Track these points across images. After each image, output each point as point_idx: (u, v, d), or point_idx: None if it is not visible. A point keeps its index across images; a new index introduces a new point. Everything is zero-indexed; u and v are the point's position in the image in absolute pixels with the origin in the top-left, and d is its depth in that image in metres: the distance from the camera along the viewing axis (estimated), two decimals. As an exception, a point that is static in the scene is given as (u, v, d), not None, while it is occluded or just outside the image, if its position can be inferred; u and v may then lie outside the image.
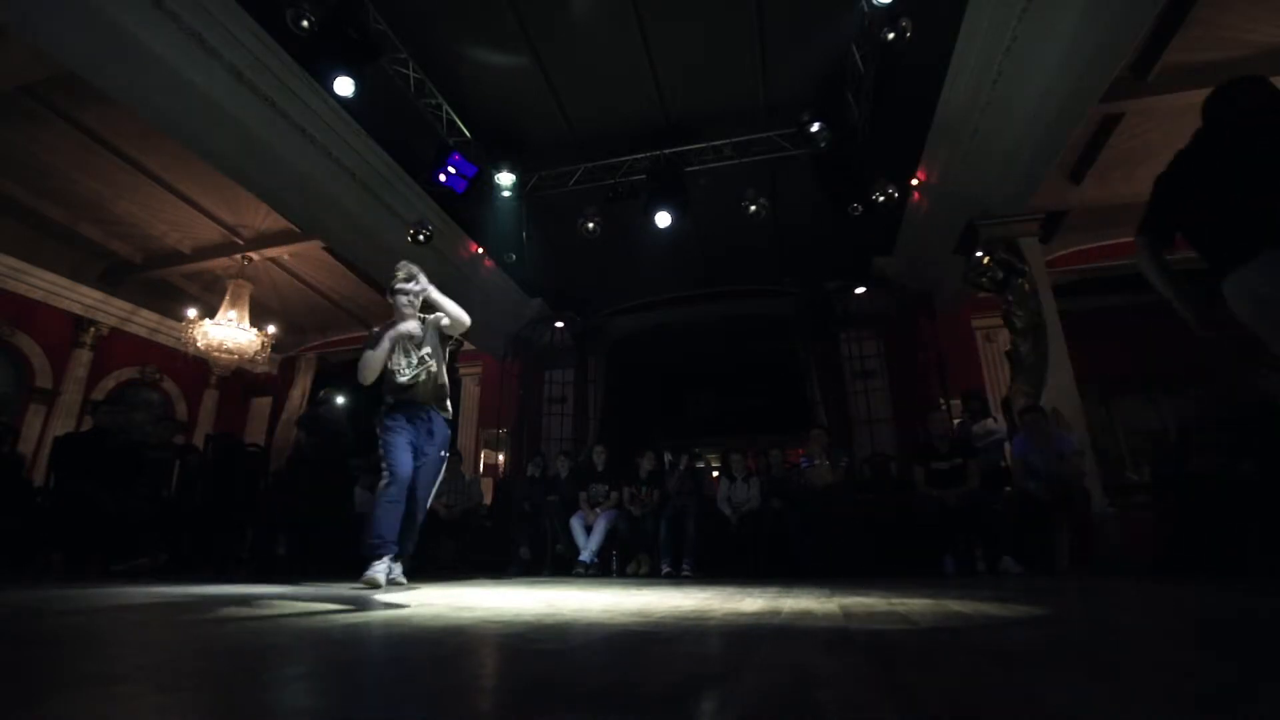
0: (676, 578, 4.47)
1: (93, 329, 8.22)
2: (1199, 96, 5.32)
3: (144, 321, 8.82)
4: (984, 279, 5.50)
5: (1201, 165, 2.08)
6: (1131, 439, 7.56)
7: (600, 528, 5.15)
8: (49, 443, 6.08)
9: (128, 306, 8.53)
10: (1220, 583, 2.92)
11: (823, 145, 5.18)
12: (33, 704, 0.59)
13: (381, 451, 3.01)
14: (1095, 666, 0.85)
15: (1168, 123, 5.49)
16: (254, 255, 7.70)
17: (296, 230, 6.91)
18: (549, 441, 8.43)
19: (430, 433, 3.13)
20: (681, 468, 5.48)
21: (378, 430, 3.10)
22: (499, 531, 5.88)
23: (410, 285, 3.13)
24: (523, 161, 5.90)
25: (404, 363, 3.11)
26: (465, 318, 3.19)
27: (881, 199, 5.35)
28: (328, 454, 5.78)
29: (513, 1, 4.47)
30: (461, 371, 9.28)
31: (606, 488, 5.54)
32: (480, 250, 7.07)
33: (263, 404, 10.17)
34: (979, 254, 5.42)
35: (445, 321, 3.18)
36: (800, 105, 5.18)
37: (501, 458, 8.79)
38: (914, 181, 5.90)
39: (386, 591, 2.66)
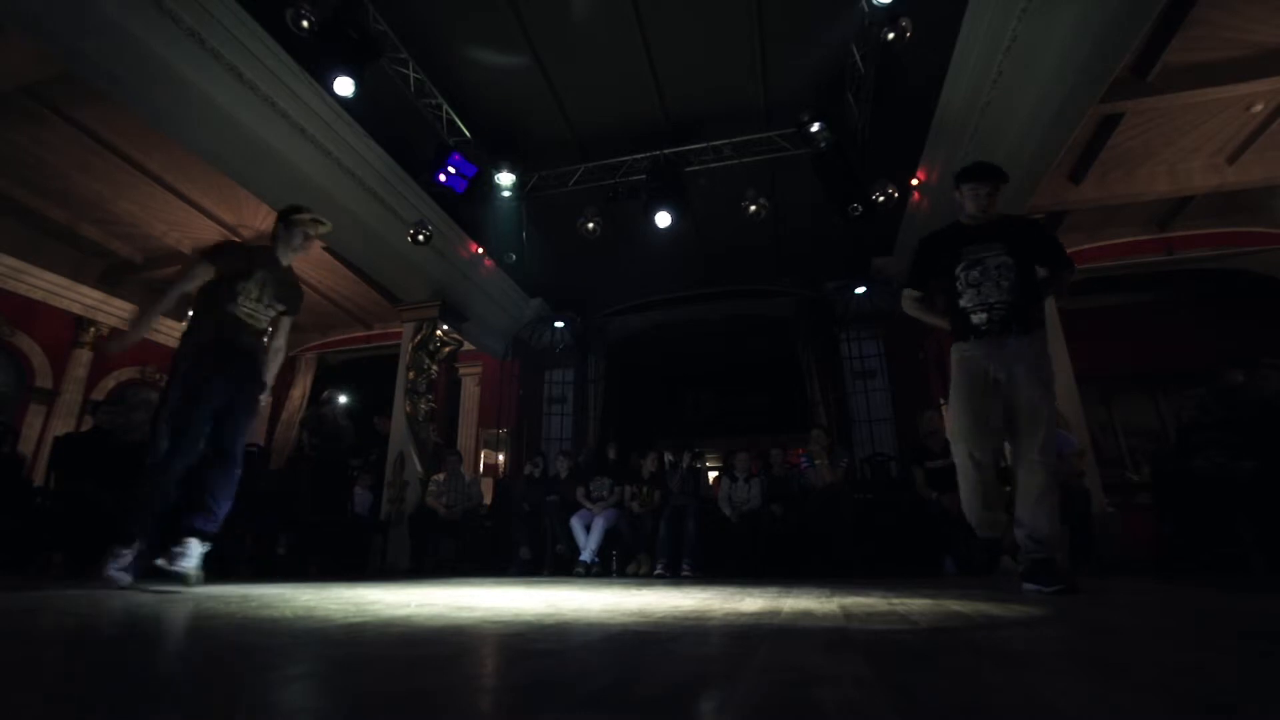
0: (676, 578, 4.47)
1: (93, 329, 8.22)
2: (1199, 96, 5.34)
3: (144, 321, 8.81)
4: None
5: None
6: (1131, 439, 7.57)
7: (600, 527, 5.16)
8: (49, 443, 6.08)
9: (128, 306, 8.53)
10: (1220, 582, 2.92)
11: (823, 145, 5.18)
12: (31, 704, 0.59)
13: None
14: (1096, 667, 0.85)
15: (1168, 123, 5.49)
16: (254, 255, 7.68)
17: (296, 230, 6.90)
18: (549, 441, 8.43)
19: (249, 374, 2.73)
20: (684, 466, 5.48)
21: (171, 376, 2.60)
22: (499, 531, 5.89)
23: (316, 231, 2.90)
24: (523, 161, 5.90)
25: (255, 292, 2.71)
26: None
27: (881, 199, 5.35)
28: (330, 454, 5.78)
29: (512, 2, 4.47)
30: (461, 371, 9.28)
31: (610, 482, 5.54)
32: (480, 250, 7.08)
33: (263, 404, 10.17)
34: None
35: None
36: (800, 105, 5.18)
37: (501, 458, 8.79)
38: (914, 181, 5.90)
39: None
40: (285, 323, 2.95)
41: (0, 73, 4.89)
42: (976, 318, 2.50)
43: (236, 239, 7.44)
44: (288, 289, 2.88)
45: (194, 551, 2.47)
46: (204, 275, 2.68)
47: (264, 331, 2.81)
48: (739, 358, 10.14)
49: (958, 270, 2.55)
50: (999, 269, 2.49)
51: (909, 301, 2.83)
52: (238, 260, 2.74)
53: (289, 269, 2.92)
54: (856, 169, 5.37)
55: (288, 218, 2.89)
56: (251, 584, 2.89)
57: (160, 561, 2.42)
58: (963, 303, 2.54)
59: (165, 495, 2.49)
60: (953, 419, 2.61)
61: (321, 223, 2.93)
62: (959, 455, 2.56)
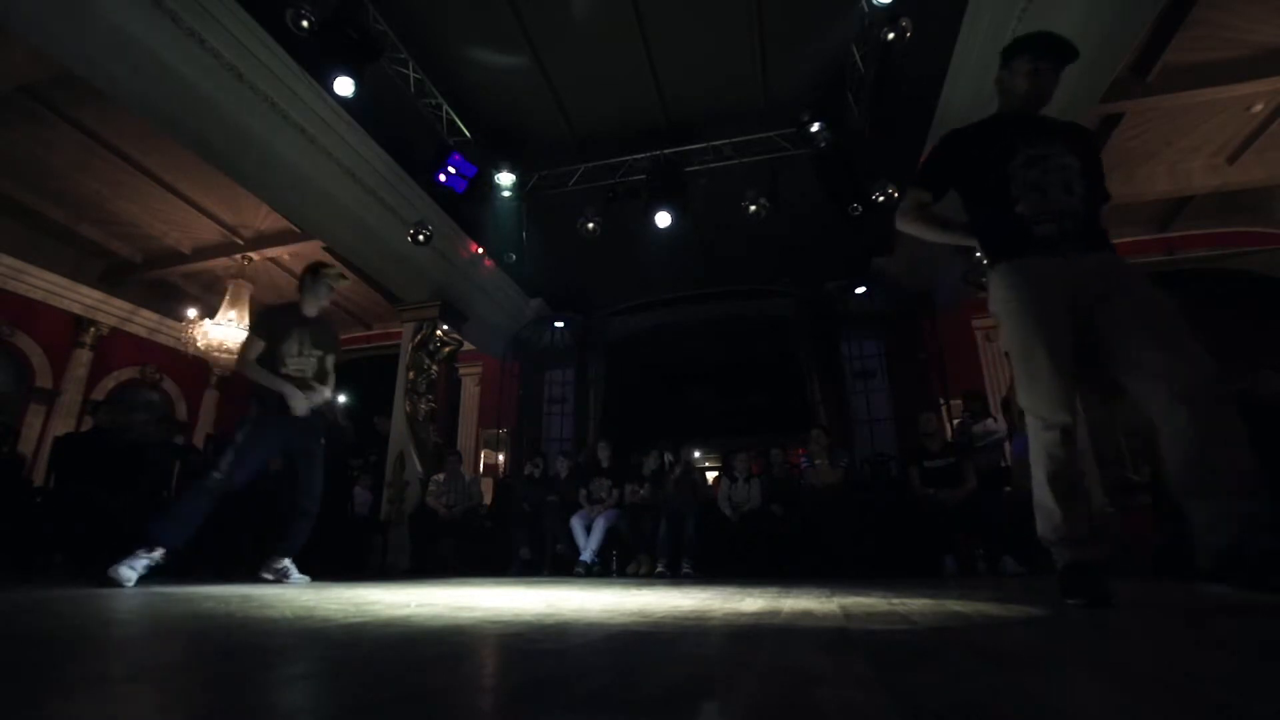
0: (676, 578, 4.47)
1: (93, 329, 8.23)
2: (1199, 96, 5.33)
3: (144, 321, 8.83)
4: (984, 279, 5.50)
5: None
6: (1131, 439, 7.56)
7: (600, 527, 5.15)
8: (49, 443, 6.09)
9: (128, 306, 8.54)
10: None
11: (823, 145, 5.18)
12: (33, 704, 0.59)
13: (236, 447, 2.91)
14: (1097, 667, 0.85)
15: (1168, 123, 5.49)
16: (254, 255, 7.71)
17: (296, 230, 6.92)
18: (549, 441, 8.44)
19: (311, 428, 3.14)
20: (678, 471, 5.48)
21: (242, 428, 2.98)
22: (499, 531, 5.89)
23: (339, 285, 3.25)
24: (523, 161, 5.90)
25: (295, 350, 3.07)
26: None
27: (881, 199, 5.35)
28: (329, 454, 5.77)
29: (512, 1, 4.47)
30: (461, 371, 9.28)
31: (609, 483, 5.54)
32: (480, 250, 7.08)
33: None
34: (979, 254, 5.42)
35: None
36: (800, 105, 5.18)
37: (501, 458, 8.79)
38: (914, 181, 5.90)
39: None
40: (329, 360, 3.24)
41: (0, 73, 4.89)
42: (1042, 228, 1.82)
43: (238, 239, 7.44)
44: (322, 333, 3.20)
45: (288, 569, 3.11)
46: (257, 347, 3.01)
47: (313, 379, 3.14)
48: (739, 358, 10.13)
49: (1012, 166, 1.91)
50: (1064, 171, 1.87)
51: (912, 210, 2.13)
52: (277, 325, 3.08)
53: (320, 316, 3.22)
54: (856, 169, 5.37)
55: (315, 271, 3.19)
56: (251, 584, 2.89)
57: (266, 575, 3.06)
58: (1020, 208, 1.87)
59: (203, 512, 2.77)
60: (1025, 367, 1.79)
61: (345, 276, 3.31)
62: (1041, 424, 1.75)
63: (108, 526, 4.40)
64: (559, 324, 8.43)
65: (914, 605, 1.76)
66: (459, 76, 5.18)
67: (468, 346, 8.22)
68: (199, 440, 7.77)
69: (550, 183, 6.16)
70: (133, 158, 6.04)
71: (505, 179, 5.80)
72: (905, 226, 2.18)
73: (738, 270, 7.93)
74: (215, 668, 0.87)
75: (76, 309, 8.05)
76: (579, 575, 4.77)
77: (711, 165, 5.79)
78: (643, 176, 5.82)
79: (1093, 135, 2.07)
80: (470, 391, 9.48)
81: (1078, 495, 1.74)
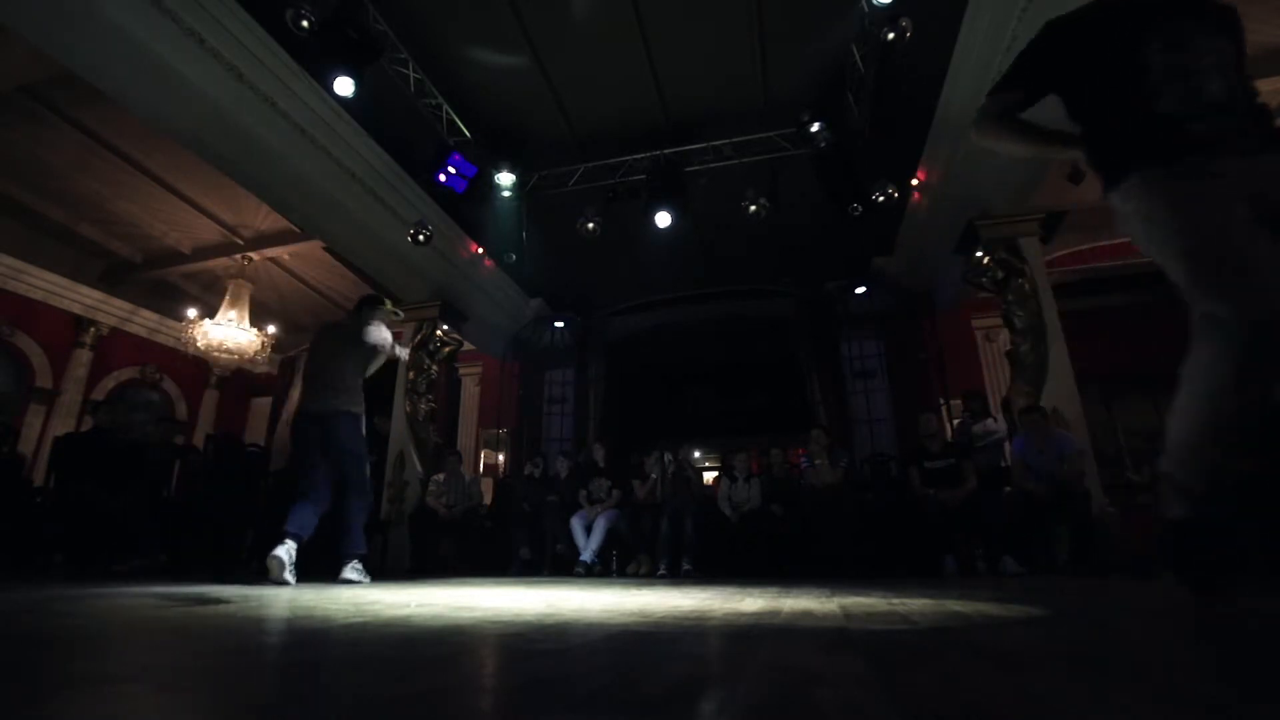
0: (676, 577, 4.47)
1: (93, 329, 8.23)
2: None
3: (144, 321, 8.83)
4: (984, 279, 5.51)
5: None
6: (1131, 439, 7.56)
7: (600, 528, 5.16)
8: (49, 443, 6.09)
9: (128, 306, 8.54)
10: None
11: (823, 145, 5.18)
12: (33, 704, 0.59)
13: (370, 461, 3.39)
14: (1096, 667, 0.85)
15: (1168, 123, 5.47)
16: (254, 255, 7.71)
17: (296, 230, 6.92)
18: (549, 441, 8.44)
19: None
20: (672, 467, 5.49)
21: (365, 433, 3.43)
22: (499, 531, 5.89)
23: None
24: (523, 161, 5.90)
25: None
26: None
27: (881, 199, 5.35)
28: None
29: (512, 2, 4.47)
30: (461, 371, 9.28)
31: (609, 483, 5.55)
32: (480, 250, 7.08)
33: (263, 404, 10.18)
34: (979, 254, 5.43)
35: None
36: (800, 105, 5.18)
37: (501, 458, 8.79)
38: (914, 181, 5.89)
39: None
40: None
41: (0, 73, 4.89)
42: (1197, 125, 1.40)
43: (238, 239, 7.44)
44: None
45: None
46: None
47: None
48: (739, 358, 10.13)
49: (1150, 53, 1.46)
50: (1218, 54, 1.48)
51: (997, 116, 1.69)
52: None
53: None
54: (856, 169, 5.37)
55: (373, 304, 3.59)
56: (252, 584, 2.89)
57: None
58: (1163, 104, 1.43)
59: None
60: (1206, 256, 1.34)
61: (397, 314, 3.76)
62: (1221, 314, 1.31)
63: (108, 526, 4.40)
64: (559, 324, 8.43)
65: (914, 605, 1.76)
66: (459, 76, 5.18)
67: (468, 346, 8.22)
68: (199, 440, 7.77)
69: (550, 183, 6.16)
70: (133, 158, 6.04)
71: (505, 179, 5.80)
72: (986, 138, 1.74)
73: (738, 270, 7.93)
74: (215, 668, 0.87)
75: (76, 309, 8.05)
76: (579, 575, 4.77)
77: (711, 165, 5.79)
78: (643, 176, 5.82)
79: (1238, 16, 1.61)
80: (470, 391, 9.48)
81: (1237, 449, 1.42)
